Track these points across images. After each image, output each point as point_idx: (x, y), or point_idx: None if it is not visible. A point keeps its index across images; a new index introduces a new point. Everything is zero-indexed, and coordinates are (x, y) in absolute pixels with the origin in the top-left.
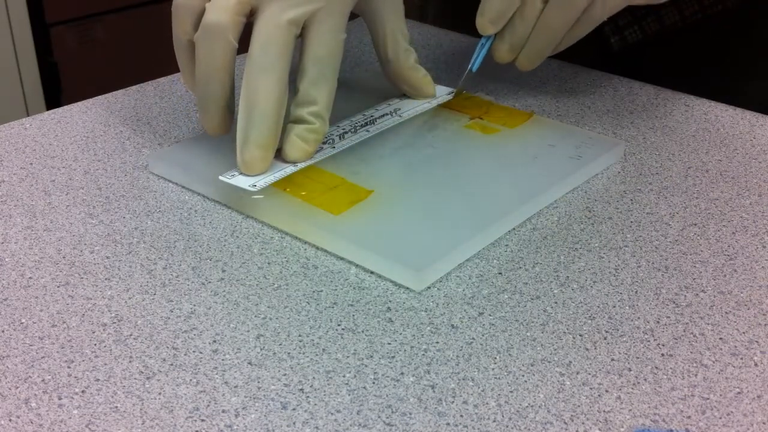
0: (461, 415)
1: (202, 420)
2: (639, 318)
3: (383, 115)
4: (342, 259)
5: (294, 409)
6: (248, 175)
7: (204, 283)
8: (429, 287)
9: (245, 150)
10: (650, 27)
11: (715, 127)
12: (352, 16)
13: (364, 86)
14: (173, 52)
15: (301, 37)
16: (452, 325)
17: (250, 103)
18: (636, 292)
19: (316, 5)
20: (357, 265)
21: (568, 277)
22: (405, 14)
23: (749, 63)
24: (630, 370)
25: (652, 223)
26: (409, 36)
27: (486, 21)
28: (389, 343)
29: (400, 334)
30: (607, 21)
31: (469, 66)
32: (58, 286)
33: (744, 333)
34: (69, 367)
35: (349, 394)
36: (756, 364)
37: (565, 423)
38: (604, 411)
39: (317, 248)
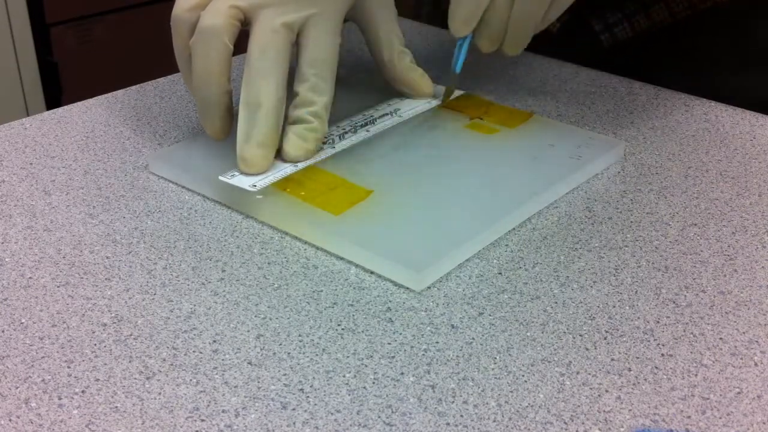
0: (461, 415)
1: (202, 420)
2: (639, 318)
3: (383, 115)
4: (342, 259)
5: (294, 409)
6: (249, 175)
7: (204, 283)
8: (429, 287)
9: (246, 149)
10: (639, 24)
11: (715, 127)
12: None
13: (364, 86)
14: (173, 53)
15: (297, 43)
16: (452, 325)
17: (251, 104)
18: (636, 292)
19: (310, 11)
20: (357, 265)
21: (568, 277)
22: (399, 14)
23: (741, 59)
24: (630, 370)
25: (652, 223)
26: (403, 38)
27: (458, 24)
28: (389, 343)
29: (400, 334)
30: (596, 18)
31: (452, 67)
32: (58, 286)
33: (744, 333)
34: (69, 367)
35: (349, 394)
36: (756, 364)
37: (565, 423)
38: (604, 411)
39: (317, 248)
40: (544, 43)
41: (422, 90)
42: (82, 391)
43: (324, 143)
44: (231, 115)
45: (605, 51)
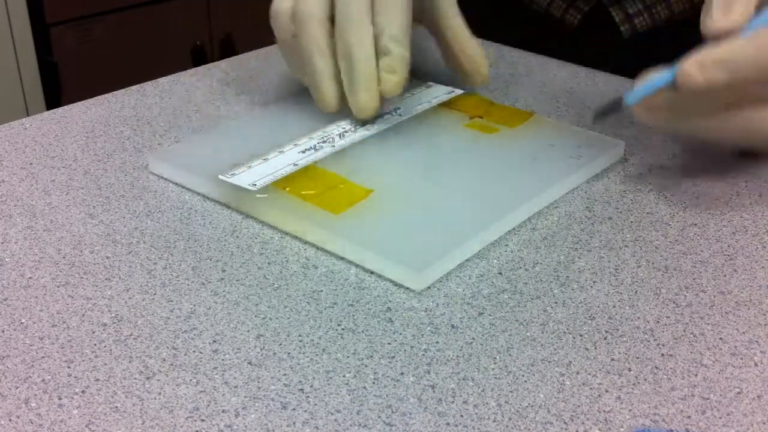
0: (461, 415)
1: (202, 420)
2: (639, 318)
3: (383, 114)
4: (342, 259)
5: (294, 409)
6: (251, 167)
7: (204, 283)
8: (429, 287)
9: (353, 96)
10: (659, 15)
11: None
12: None
13: None
14: (173, 52)
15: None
16: (452, 325)
17: (345, 53)
18: (636, 292)
19: None
20: (357, 265)
21: (568, 277)
22: None
23: None
24: (630, 370)
25: (652, 223)
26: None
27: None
28: (389, 343)
29: (400, 334)
30: (617, 8)
31: (625, 101)
32: (58, 286)
33: (744, 333)
34: (69, 367)
35: (349, 394)
36: (756, 364)
37: (565, 423)
38: (604, 411)
39: (317, 248)
40: (565, 36)
41: (478, 63)
42: (82, 391)
43: (324, 142)
44: (340, 85)
45: (624, 42)
